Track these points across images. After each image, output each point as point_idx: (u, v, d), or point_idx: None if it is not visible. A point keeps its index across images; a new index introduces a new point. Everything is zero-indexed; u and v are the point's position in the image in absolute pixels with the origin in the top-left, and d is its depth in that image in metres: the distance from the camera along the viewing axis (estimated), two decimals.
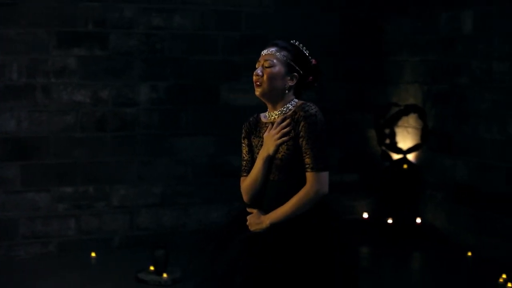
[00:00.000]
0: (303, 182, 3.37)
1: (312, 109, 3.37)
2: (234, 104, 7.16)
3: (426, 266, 6.79)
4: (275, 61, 3.43)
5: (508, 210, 6.50)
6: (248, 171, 3.56)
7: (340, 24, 7.56)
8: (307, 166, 3.34)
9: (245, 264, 3.31)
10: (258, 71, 3.49)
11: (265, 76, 3.45)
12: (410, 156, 7.59)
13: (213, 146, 7.11)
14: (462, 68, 6.99)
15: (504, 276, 6.04)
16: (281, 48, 3.47)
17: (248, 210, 3.52)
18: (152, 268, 6.06)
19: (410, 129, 7.64)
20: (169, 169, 6.97)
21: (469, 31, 6.93)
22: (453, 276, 6.28)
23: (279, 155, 3.40)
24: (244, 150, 3.61)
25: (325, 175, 3.34)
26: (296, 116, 3.38)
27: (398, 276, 6.36)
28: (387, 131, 7.72)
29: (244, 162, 3.60)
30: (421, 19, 7.48)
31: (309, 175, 3.34)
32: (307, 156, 3.34)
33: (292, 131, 3.37)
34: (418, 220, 7.32)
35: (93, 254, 6.63)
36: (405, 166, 7.48)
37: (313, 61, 3.54)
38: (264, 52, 3.50)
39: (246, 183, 3.54)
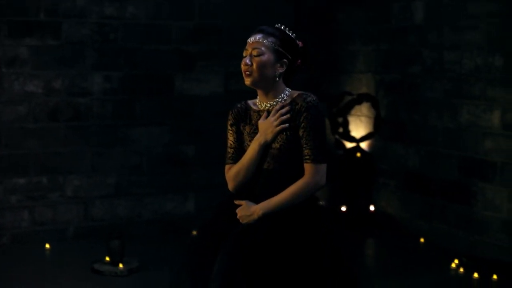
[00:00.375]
0: (298, 173, 3.35)
1: (314, 100, 3.36)
2: (189, 93, 7.15)
3: (380, 252, 6.89)
4: (263, 49, 3.39)
5: (459, 197, 6.63)
6: (235, 159, 3.50)
7: (294, 13, 7.59)
8: (307, 157, 3.32)
9: (239, 260, 3.27)
10: (247, 60, 3.45)
11: (254, 65, 3.41)
12: (363, 145, 7.67)
13: (167, 136, 7.09)
14: (414, 58, 7.08)
15: (456, 261, 6.16)
16: (268, 34, 3.43)
17: (236, 202, 3.45)
18: (107, 258, 6.03)
19: (363, 118, 7.72)
20: (124, 159, 6.93)
21: (420, 21, 7.02)
22: (407, 262, 6.37)
23: (277, 145, 3.37)
24: (232, 137, 3.54)
25: (324, 167, 3.33)
26: (297, 107, 3.35)
27: (352, 263, 6.42)
28: (340, 120, 7.78)
29: (232, 149, 3.54)
30: (374, 9, 7.56)
31: (308, 166, 3.32)
32: (308, 147, 3.32)
33: (292, 119, 3.35)
34: (372, 208, 7.42)
35: (47, 246, 6.57)
36: (358, 154, 7.56)
37: (300, 43, 3.51)
38: (251, 40, 3.45)
39: (235, 170, 3.48)
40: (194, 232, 7.03)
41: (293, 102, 3.38)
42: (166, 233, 7.06)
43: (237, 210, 3.42)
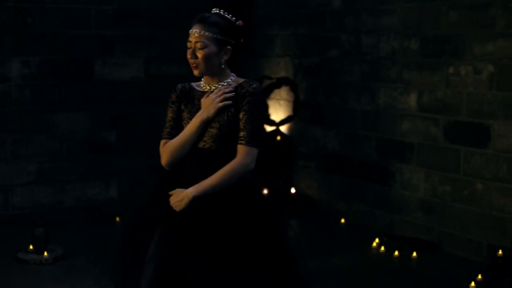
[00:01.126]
0: (232, 156, 3.37)
1: (258, 87, 3.41)
2: (109, 78, 7.09)
3: (303, 234, 6.99)
4: (206, 41, 3.38)
5: (378, 178, 6.83)
6: (172, 135, 3.50)
7: None
8: (241, 138, 3.34)
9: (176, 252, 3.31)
10: (192, 53, 3.46)
11: (200, 58, 3.40)
12: (283, 128, 7.79)
13: (88, 121, 7.02)
14: (332, 42, 7.23)
15: (377, 240, 6.36)
16: (208, 25, 3.41)
17: (170, 193, 3.42)
18: (31, 247, 5.95)
19: (282, 102, 7.84)
20: (44, 146, 6.83)
21: (338, 6, 7.17)
22: (329, 243, 6.53)
23: (217, 124, 3.39)
24: (171, 114, 3.54)
25: (255, 151, 3.36)
26: (242, 91, 3.39)
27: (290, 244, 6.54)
28: None
29: (168, 124, 3.54)
30: None
31: (241, 148, 3.34)
32: (245, 130, 3.34)
33: (236, 102, 3.38)
34: (293, 190, 7.55)
35: None
36: (278, 137, 7.68)
37: (240, 22, 3.54)
38: (193, 32, 3.44)
39: (172, 144, 3.47)
40: (118, 218, 7.02)
41: (239, 86, 3.43)
42: (89, 219, 7.00)
43: (170, 199, 3.44)
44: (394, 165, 6.68)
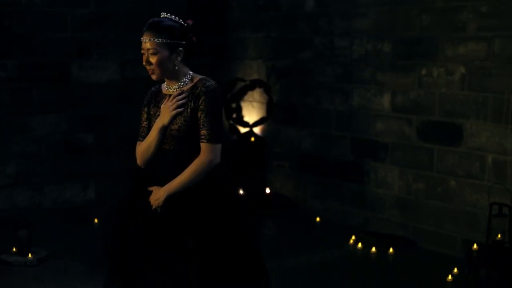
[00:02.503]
0: (196, 153, 3.56)
1: (212, 85, 3.58)
2: (85, 81, 7.14)
3: (279, 233, 7.14)
4: (157, 47, 3.56)
5: (352, 176, 7.01)
6: (144, 137, 3.71)
7: (186, 1, 7.71)
8: (203, 137, 3.53)
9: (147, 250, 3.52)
10: (147, 61, 3.60)
11: (154, 64, 3.58)
12: (257, 129, 7.93)
13: (66, 123, 7.06)
14: (305, 44, 7.39)
15: (353, 237, 6.53)
16: (157, 31, 3.57)
17: (150, 189, 3.63)
18: (14, 249, 5.98)
19: (255, 103, 7.97)
20: (22, 148, 6.85)
21: (311, 9, 7.33)
22: (306, 241, 6.67)
23: (176, 126, 3.57)
24: (143, 117, 3.77)
25: (218, 147, 3.55)
26: (197, 91, 3.56)
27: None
28: (233, 105, 8.00)
29: (141, 128, 3.76)
30: None
31: (204, 145, 3.53)
32: (204, 128, 3.52)
33: (190, 103, 3.55)
34: (267, 190, 7.69)
35: None
36: (252, 139, 7.81)
37: (189, 21, 3.69)
38: (144, 40, 3.59)
39: (141, 148, 3.70)
40: (96, 220, 7.08)
41: (194, 86, 3.60)
42: (68, 221, 7.03)
43: (150, 197, 3.63)
44: (369, 164, 6.86)
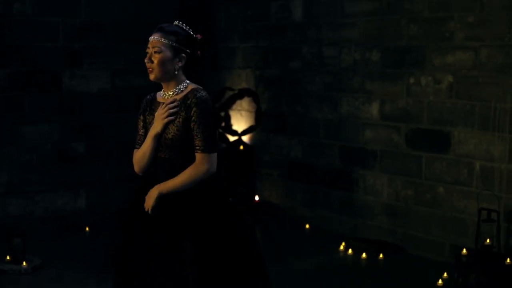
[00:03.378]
0: (190, 161, 3.61)
1: (203, 96, 3.63)
2: (76, 90, 7.20)
3: (269, 240, 7.21)
4: (162, 47, 3.64)
5: (341, 184, 7.11)
6: (141, 145, 3.77)
7: (177, 11, 7.79)
8: (197, 147, 3.58)
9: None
10: (148, 58, 3.69)
11: (155, 62, 3.65)
12: (245, 138, 8.01)
13: (57, 132, 7.10)
14: (294, 53, 7.50)
15: (343, 244, 6.63)
16: (166, 33, 3.67)
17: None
18: (8, 257, 6.01)
19: (243, 112, 8.05)
20: (14, 157, 6.88)
21: (299, 19, 7.44)
22: (296, 248, 6.75)
23: (169, 135, 3.63)
24: (140, 125, 3.81)
25: (214, 156, 3.61)
26: (188, 102, 3.62)
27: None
28: (222, 114, 8.08)
29: (138, 136, 3.81)
30: (252, 7, 7.91)
31: (199, 156, 3.59)
32: (198, 138, 3.58)
33: (182, 113, 3.61)
34: (256, 198, 7.77)
35: None
36: (241, 147, 7.89)
37: (198, 36, 3.78)
38: (151, 39, 3.70)
39: (137, 156, 3.76)
40: (87, 229, 7.12)
41: (185, 96, 3.67)
42: (59, 229, 7.07)
43: (145, 204, 3.71)
44: (358, 171, 6.97)
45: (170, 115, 3.62)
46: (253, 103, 7.87)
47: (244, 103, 8.02)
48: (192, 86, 3.71)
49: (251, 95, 7.89)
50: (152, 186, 3.72)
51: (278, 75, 7.70)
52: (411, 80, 6.48)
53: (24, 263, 5.93)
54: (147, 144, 3.69)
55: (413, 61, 6.45)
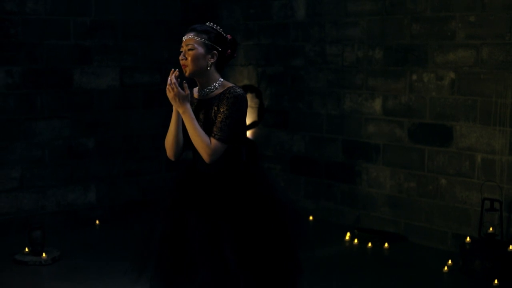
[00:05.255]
0: (228, 154, 3.82)
1: (237, 91, 3.85)
2: (86, 87, 7.36)
3: None
4: (195, 44, 3.87)
5: (344, 177, 7.37)
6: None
7: (181, 10, 7.99)
8: (212, 133, 3.77)
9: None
10: (182, 55, 3.92)
11: (189, 59, 3.88)
12: (248, 133, 8.24)
13: (68, 128, 7.27)
14: (296, 51, 7.74)
15: (348, 234, 6.89)
16: (198, 32, 3.91)
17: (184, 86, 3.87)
18: (27, 249, 6.19)
19: None
20: (27, 153, 7.04)
21: (302, 18, 7.68)
22: (301, 239, 6.97)
23: (202, 119, 3.84)
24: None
25: (220, 145, 3.76)
26: (226, 95, 3.86)
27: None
28: None
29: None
30: (254, 6, 8.13)
31: (211, 140, 3.78)
32: (215, 126, 3.77)
33: (216, 107, 3.81)
34: None
35: None
36: None
37: (229, 36, 4.02)
38: (184, 38, 3.93)
39: (166, 138, 3.95)
40: (98, 222, 7.32)
41: (222, 93, 3.90)
42: (70, 223, 7.25)
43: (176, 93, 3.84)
44: (361, 165, 7.23)
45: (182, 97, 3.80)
46: (256, 98, 8.10)
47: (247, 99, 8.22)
48: (228, 84, 3.94)
49: (253, 91, 8.12)
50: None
51: (280, 72, 7.93)
52: (414, 77, 6.75)
53: (44, 255, 6.11)
54: (171, 123, 3.88)
55: (416, 59, 6.72)
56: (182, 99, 3.80)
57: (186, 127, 3.83)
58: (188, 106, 3.81)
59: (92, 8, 7.34)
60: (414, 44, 6.73)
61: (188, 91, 3.82)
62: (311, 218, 7.55)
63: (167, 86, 3.83)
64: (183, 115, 3.81)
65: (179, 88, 3.81)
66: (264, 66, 8.10)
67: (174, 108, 3.87)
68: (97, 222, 7.33)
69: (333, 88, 7.44)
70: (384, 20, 6.97)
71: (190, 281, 3.85)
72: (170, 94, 3.82)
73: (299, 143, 7.80)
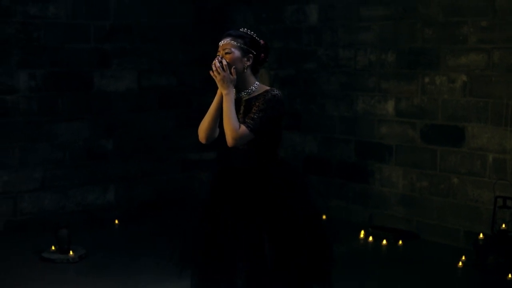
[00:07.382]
0: (266, 153, 4.04)
1: (274, 92, 4.06)
2: (106, 90, 7.55)
3: None
4: (232, 48, 4.06)
5: (357, 176, 7.57)
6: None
7: (193, 14, 8.18)
8: (244, 122, 3.94)
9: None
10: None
11: None
12: None
13: (88, 130, 7.45)
14: (309, 55, 7.94)
15: (363, 232, 7.09)
16: (234, 37, 4.11)
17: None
18: (53, 248, 6.35)
19: None
20: (48, 154, 7.21)
21: (314, 23, 7.88)
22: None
23: (240, 115, 4.00)
24: None
25: (247, 133, 3.91)
26: (265, 95, 4.05)
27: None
28: None
29: None
30: (266, 11, 8.33)
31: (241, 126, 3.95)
32: (248, 116, 3.94)
33: (255, 107, 4.03)
34: None
35: None
36: None
37: (262, 41, 4.22)
38: (221, 43, 4.12)
39: (202, 121, 4.11)
40: (117, 221, 7.49)
41: (263, 92, 4.09)
42: (90, 223, 7.42)
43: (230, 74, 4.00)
44: (373, 165, 7.44)
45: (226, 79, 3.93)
46: None
47: None
48: (266, 87, 4.13)
49: None
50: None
51: (293, 75, 8.13)
52: (426, 80, 6.97)
53: (71, 253, 6.28)
54: (211, 107, 4.04)
55: (428, 62, 6.94)
56: (229, 81, 3.95)
57: (223, 108, 3.97)
58: (233, 89, 3.98)
59: (110, 13, 7.53)
60: (426, 48, 6.95)
61: (235, 76, 3.98)
62: (324, 217, 7.71)
63: (212, 70, 3.96)
64: (226, 96, 3.94)
65: (228, 71, 3.97)
66: (277, 69, 8.30)
67: (218, 92, 4.01)
68: (116, 221, 7.50)
69: (346, 90, 7.64)
70: (396, 24, 7.18)
71: (229, 280, 4.03)
72: (218, 77, 3.94)
73: (312, 144, 7.99)
